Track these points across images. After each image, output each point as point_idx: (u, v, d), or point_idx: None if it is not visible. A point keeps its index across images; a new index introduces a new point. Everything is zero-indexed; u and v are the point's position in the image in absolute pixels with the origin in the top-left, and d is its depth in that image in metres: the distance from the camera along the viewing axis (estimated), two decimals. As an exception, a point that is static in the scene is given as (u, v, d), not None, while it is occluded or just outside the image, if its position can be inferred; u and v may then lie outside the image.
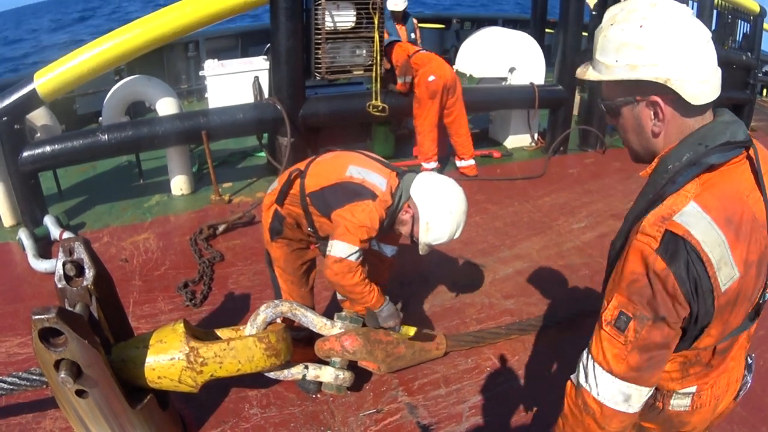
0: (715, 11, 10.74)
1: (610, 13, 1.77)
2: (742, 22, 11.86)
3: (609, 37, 1.74)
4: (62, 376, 2.53)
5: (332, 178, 3.44)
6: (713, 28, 10.71)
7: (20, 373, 3.34)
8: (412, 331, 3.83)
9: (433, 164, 7.64)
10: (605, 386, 1.76)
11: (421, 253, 3.52)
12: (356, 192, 3.33)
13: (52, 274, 2.96)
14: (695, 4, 10.57)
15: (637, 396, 1.75)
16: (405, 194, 3.42)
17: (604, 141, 9.11)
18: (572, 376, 1.92)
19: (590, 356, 1.80)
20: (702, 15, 10.44)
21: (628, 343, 1.69)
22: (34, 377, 3.31)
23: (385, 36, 7.40)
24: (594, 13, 10.04)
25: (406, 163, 7.95)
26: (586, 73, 1.85)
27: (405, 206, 3.43)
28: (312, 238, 3.78)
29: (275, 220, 3.68)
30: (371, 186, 3.34)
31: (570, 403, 1.92)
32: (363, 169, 3.43)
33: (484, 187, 7.53)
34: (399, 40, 7.90)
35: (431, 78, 7.14)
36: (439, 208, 3.34)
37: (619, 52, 1.71)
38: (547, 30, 11.18)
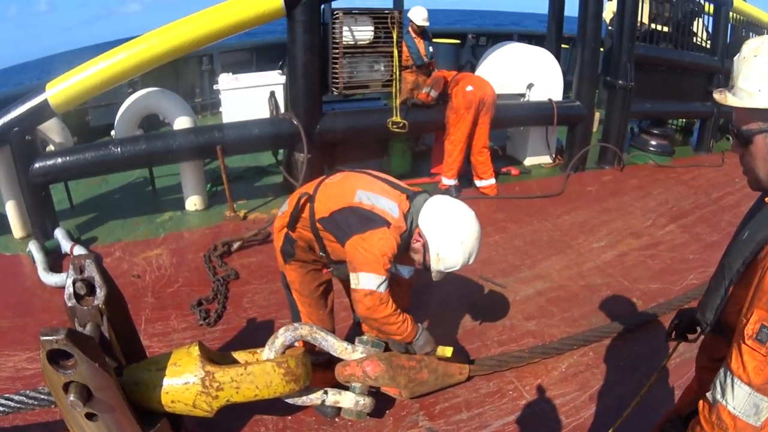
0: (729, 25, 10.74)
1: (752, 45, 1.92)
2: (755, 36, 11.91)
3: (753, 67, 1.88)
4: (71, 399, 2.45)
5: (340, 202, 3.32)
6: (728, 41, 10.74)
7: (28, 392, 3.25)
8: (449, 351, 3.68)
9: (453, 181, 7.56)
10: (741, 399, 1.84)
11: (434, 279, 3.40)
12: (368, 218, 3.20)
13: (62, 288, 2.87)
14: (711, 19, 10.56)
15: (766, 409, 1.83)
16: (416, 218, 3.28)
17: (622, 158, 9.04)
18: (707, 395, 1.98)
19: (729, 372, 1.87)
20: (717, 29, 10.44)
21: None
22: (42, 396, 3.21)
23: (404, 50, 7.36)
24: (610, 28, 9.99)
25: (424, 181, 7.86)
26: (726, 98, 1.97)
27: (416, 234, 3.29)
28: (324, 261, 3.66)
29: (286, 243, 3.58)
30: (382, 212, 3.22)
31: (702, 420, 1.98)
32: (372, 193, 3.31)
33: (503, 205, 7.44)
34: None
35: (469, 88, 7.17)
36: (448, 239, 3.20)
37: (763, 81, 1.84)
38: (562, 45, 11.12)
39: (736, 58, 1.95)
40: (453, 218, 3.23)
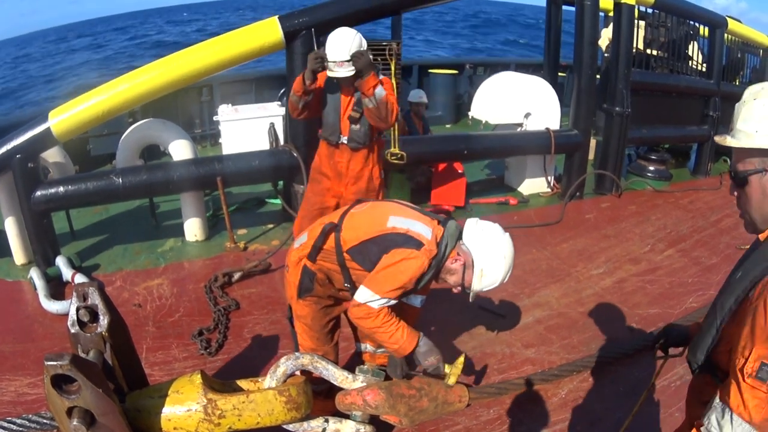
0: (725, 47, 10.87)
1: (753, 89, 1.99)
2: (751, 57, 12.12)
3: (752, 109, 1.95)
4: (74, 424, 2.46)
5: (373, 230, 3.29)
6: (723, 63, 10.86)
7: (30, 416, 3.28)
8: (460, 362, 3.68)
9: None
10: None
11: (470, 300, 3.41)
12: (398, 242, 3.19)
13: (64, 315, 2.89)
14: (706, 41, 10.68)
15: None
16: (451, 243, 3.27)
17: (620, 184, 9.11)
18: (702, 429, 2.00)
19: (727, 409, 1.89)
20: (712, 52, 10.54)
21: None
22: (44, 421, 3.24)
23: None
24: (606, 55, 10.04)
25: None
26: (725, 140, 2.04)
27: (453, 254, 3.28)
28: (347, 294, 3.57)
29: (305, 277, 3.51)
30: (416, 235, 3.20)
31: None
32: (405, 218, 3.29)
33: (501, 234, 7.41)
34: None
35: None
36: (494, 254, 3.23)
37: (760, 123, 1.91)
38: (559, 73, 11.21)
39: (737, 104, 2.02)
40: (495, 235, 3.30)
